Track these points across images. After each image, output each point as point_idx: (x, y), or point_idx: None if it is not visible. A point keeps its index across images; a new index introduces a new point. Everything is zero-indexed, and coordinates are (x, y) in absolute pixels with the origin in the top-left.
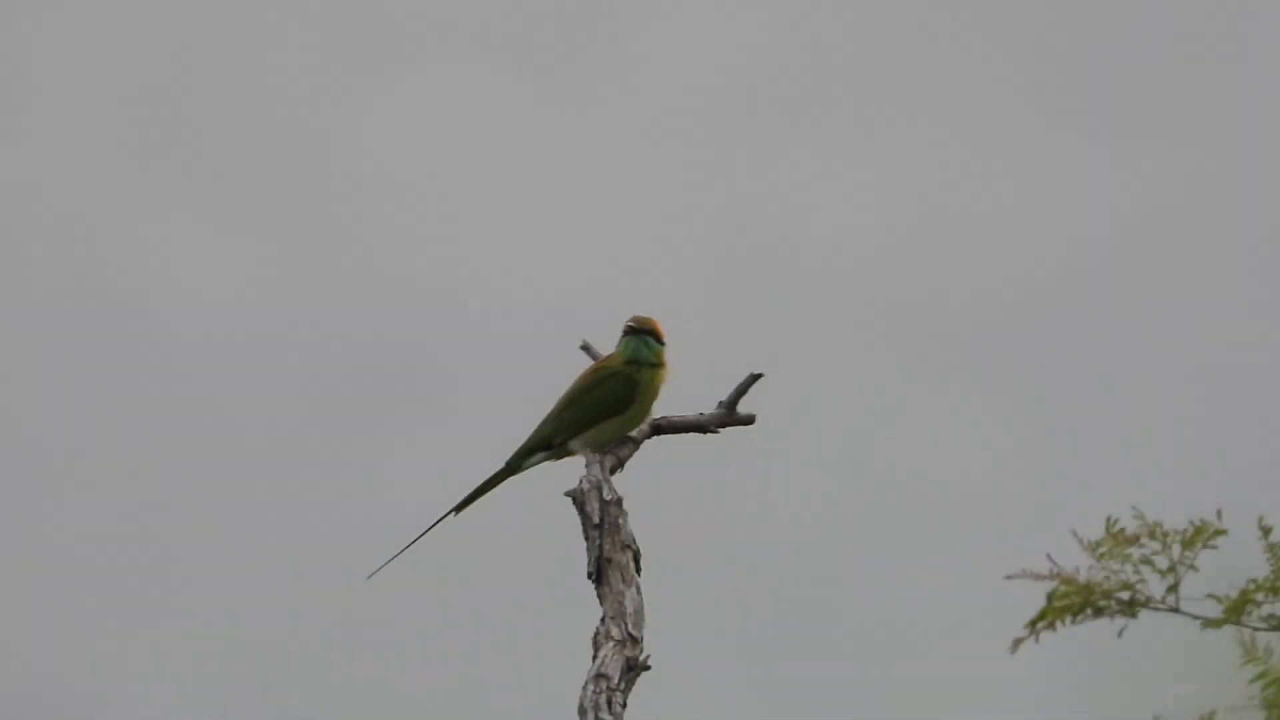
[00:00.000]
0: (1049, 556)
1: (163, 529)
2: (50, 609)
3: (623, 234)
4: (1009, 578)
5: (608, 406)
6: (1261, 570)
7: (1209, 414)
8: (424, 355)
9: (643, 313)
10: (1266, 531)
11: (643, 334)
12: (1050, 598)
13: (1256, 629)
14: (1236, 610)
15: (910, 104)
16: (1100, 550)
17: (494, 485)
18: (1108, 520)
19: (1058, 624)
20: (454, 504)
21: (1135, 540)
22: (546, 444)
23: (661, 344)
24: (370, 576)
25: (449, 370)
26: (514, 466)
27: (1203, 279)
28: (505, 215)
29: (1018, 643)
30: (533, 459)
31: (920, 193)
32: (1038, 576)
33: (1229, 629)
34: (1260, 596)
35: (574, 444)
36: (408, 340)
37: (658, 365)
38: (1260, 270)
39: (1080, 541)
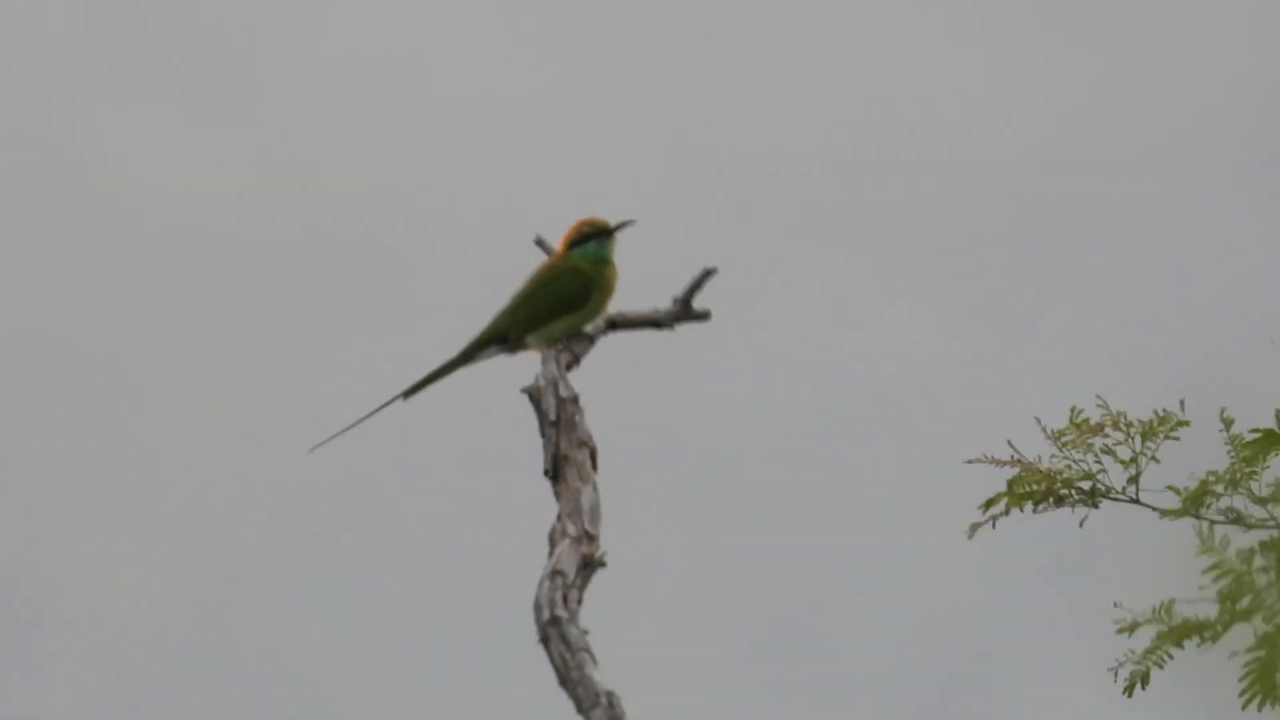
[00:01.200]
0: (1010, 444)
1: (116, 415)
2: (4, 495)
3: (575, 129)
4: (969, 462)
5: (564, 302)
6: (1222, 463)
7: (1174, 306)
8: (378, 249)
9: (592, 214)
10: (1228, 424)
11: (599, 236)
12: (1011, 484)
13: (1214, 521)
14: (1195, 502)
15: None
16: (1064, 438)
17: (447, 373)
18: (1072, 409)
19: (1016, 511)
20: (405, 389)
21: (1099, 429)
22: (502, 337)
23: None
24: (313, 450)
25: (404, 264)
26: (467, 356)
27: (1166, 164)
28: (459, 109)
29: (975, 527)
30: (487, 351)
31: (870, 88)
32: (998, 462)
33: (1187, 520)
34: (1219, 489)
35: (530, 339)
36: (362, 234)
37: (610, 262)
38: (1220, 161)
39: (1044, 430)
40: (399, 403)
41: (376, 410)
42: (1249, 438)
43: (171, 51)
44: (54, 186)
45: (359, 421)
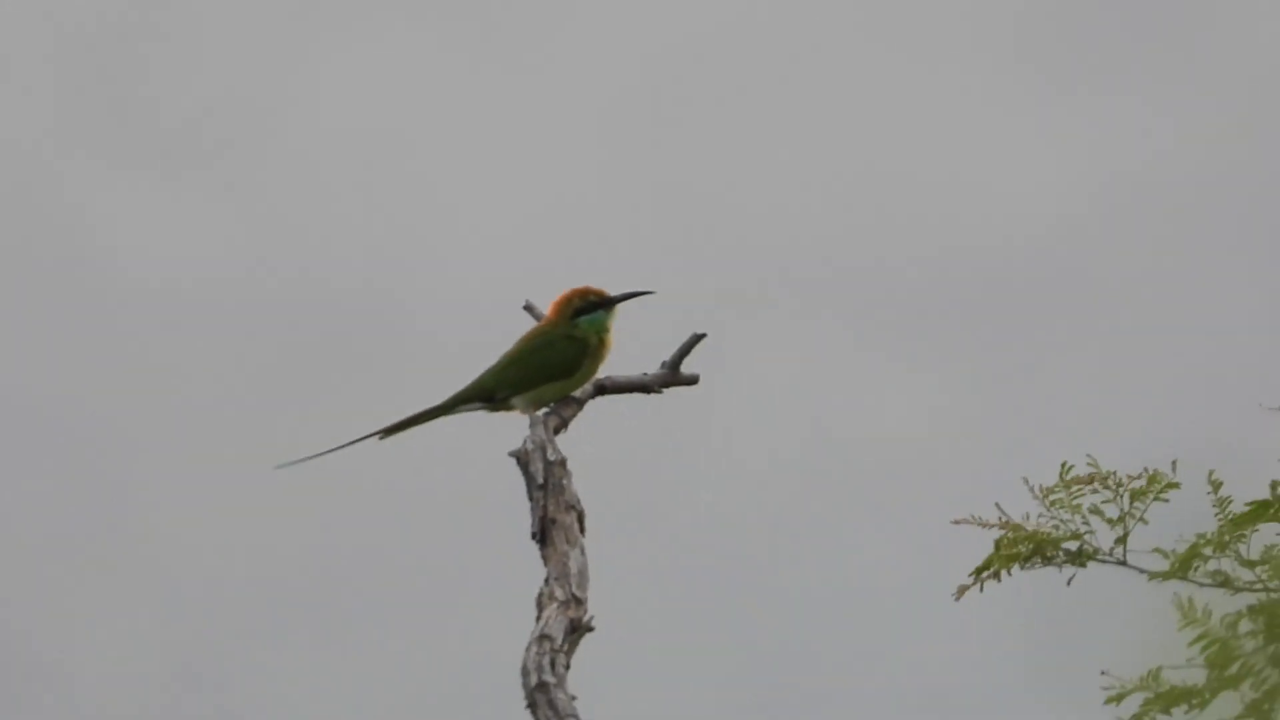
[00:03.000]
0: (997, 505)
1: (104, 489)
2: None
3: (564, 194)
4: (956, 522)
5: (555, 369)
6: (1208, 524)
7: (1166, 371)
8: (365, 314)
9: (585, 282)
10: (1217, 486)
11: (604, 305)
12: (999, 545)
13: (1202, 584)
14: (1184, 565)
15: (855, 65)
16: (1052, 496)
17: (427, 420)
18: (1063, 465)
19: (1004, 574)
20: (384, 428)
21: (1089, 482)
22: (488, 396)
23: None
24: (279, 467)
25: (391, 328)
26: (449, 407)
27: (1158, 233)
28: (445, 176)
29: (963, 590)
30: (469, 406)
31: (864, 153)
32: (984, 524)
33: (1170, 586)
34: (1208, 551)
35: (516, 401)
36: (349, 300)
37: (609, 331)
38: (1214, 226)
39: (1031, 489)
40: (378, 445)
41: (351, 443)
42: (1239, 503)
43: (158, 123)
44: (41, 253)
45: (331, 450)
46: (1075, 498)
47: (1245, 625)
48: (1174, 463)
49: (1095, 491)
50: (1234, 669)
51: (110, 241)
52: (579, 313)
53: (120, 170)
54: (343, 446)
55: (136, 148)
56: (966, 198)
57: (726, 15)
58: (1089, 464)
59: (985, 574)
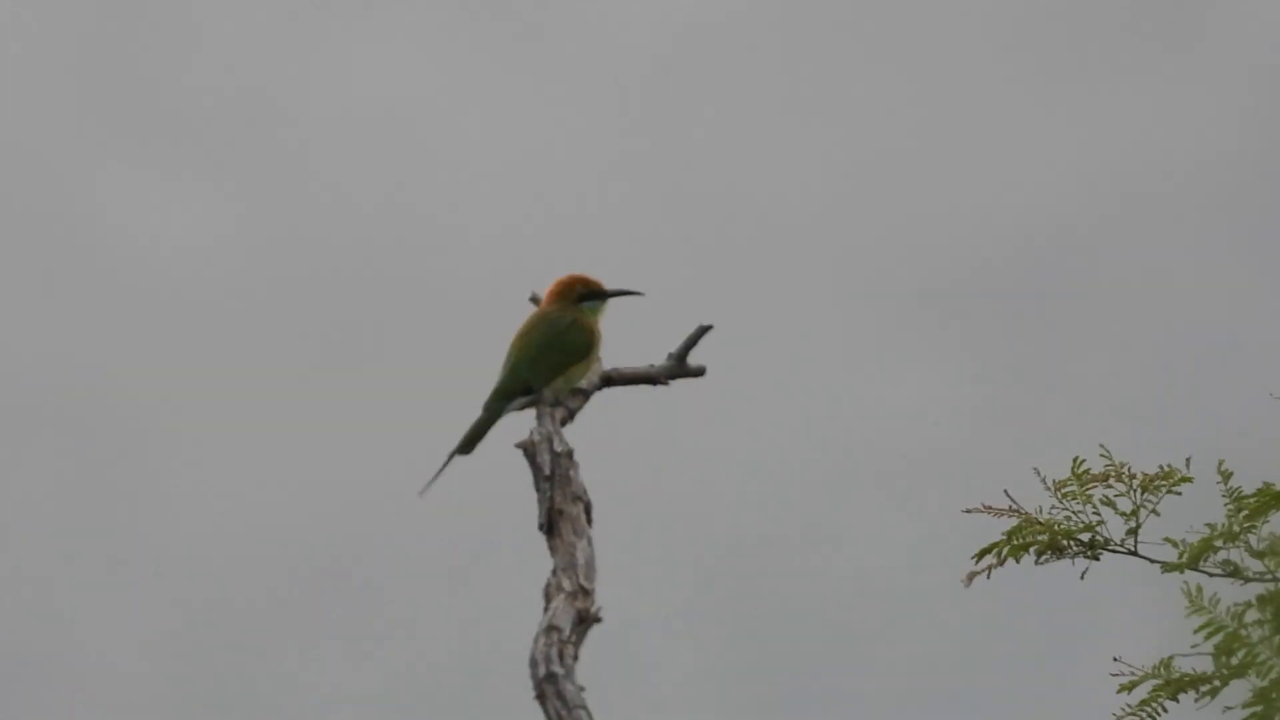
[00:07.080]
0: (1006, 493)
1: (119, 478)
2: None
3: (573, 183)
4: (967, 511)
5: (575, 352)
6: (1216, 513)
7: (1177, 361)
8: (371, 304)
9: (581, 271)
10: (1226, 476)
11: (598, 297)
12: (1010, 535)
13: (1213, 574)
14: (1196, 557)
15: (868, 55)
16: (1065, 489)
17: (486, 428)
18: (1075, 459)
19: (1013, 562)
20: (459, 445)
21: (1103, 478)
22: (526, 389)
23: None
24: (420, 493)
25: (396, 318)
26: (496, 410)
27: (1172, 227)
28: (451, 165)
29: (971, 576)
30: (514, 404)
31: (875, 143)
32: (995, 511)
33: (1179, 575)
34: (1219, 543)
35: (547, 391)
36: (357, 287)
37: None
38: (1226, 223)
39: (1044, 481)
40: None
41: (444, 465)
42: (1250, 493)
43: (160, 105)
44: (53, 236)
45: (435, 476)
46: (1087, 489)
47: (1252, 614)
48: (1188, 459)
49: (1109, 486)
50: (1239, 658)
51: (120, 223)
52: (582, 299)
53: (132, 151)
54: (440, 471)
55: (145, 127)
56: (982, 191)
57: (733, 7)
58: (1102, 455)
59: (989, 559)
